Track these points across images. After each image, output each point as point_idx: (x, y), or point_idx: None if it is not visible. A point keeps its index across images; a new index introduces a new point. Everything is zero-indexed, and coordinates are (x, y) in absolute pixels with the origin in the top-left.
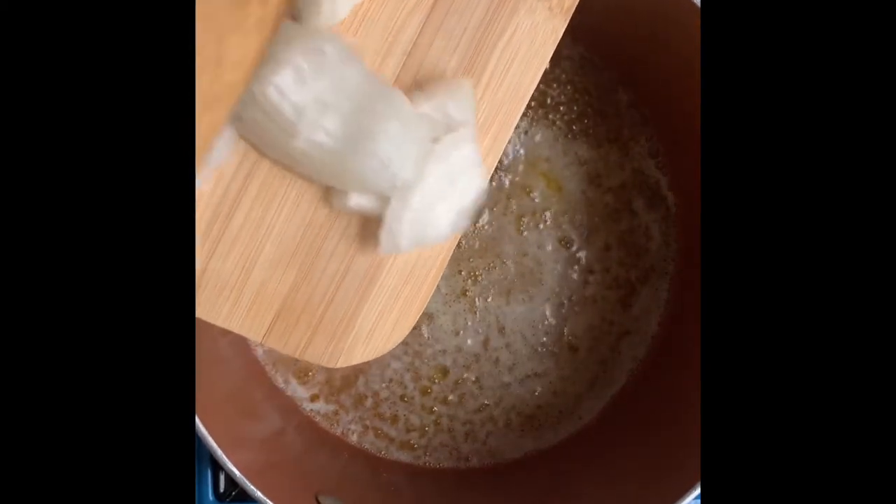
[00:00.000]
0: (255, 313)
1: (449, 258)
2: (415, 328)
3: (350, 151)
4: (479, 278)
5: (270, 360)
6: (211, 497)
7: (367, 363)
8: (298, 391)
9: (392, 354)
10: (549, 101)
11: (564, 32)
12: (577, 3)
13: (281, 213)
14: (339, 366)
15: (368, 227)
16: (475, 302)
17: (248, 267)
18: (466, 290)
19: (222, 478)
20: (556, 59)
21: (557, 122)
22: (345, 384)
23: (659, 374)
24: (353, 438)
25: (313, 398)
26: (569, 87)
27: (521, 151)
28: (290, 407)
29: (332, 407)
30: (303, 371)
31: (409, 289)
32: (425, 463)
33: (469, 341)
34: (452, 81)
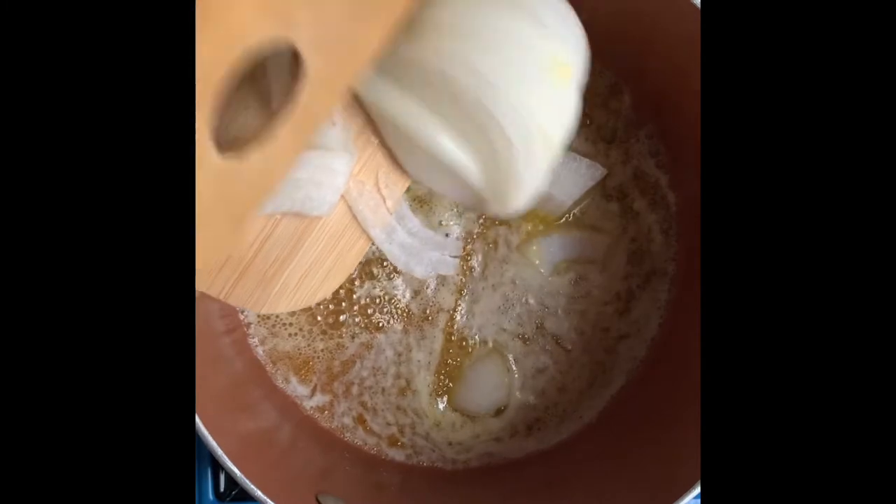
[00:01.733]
0: None
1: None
2: (415, 327)
3: None
4: (476, 280)
5: (270, 360)
6: (211, 497)
7: (361, 353)
8: (298, 390)
9: (391, 346)
10: None
11: None
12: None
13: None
14: (263, 312)
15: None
16: (474, 302)
17: None
18: (463, 290)
19: (222, 478)
20: None
21: None
22: (345, 389)
23: (659, 374)
24: (354, 438)
25: (312, 392)
26: None
27: None
28: (290, 406)
29: (327, 397)
30: (302, 369)
31: (341, 245)
32: (426, 463)
33: (471, 341)
34: None
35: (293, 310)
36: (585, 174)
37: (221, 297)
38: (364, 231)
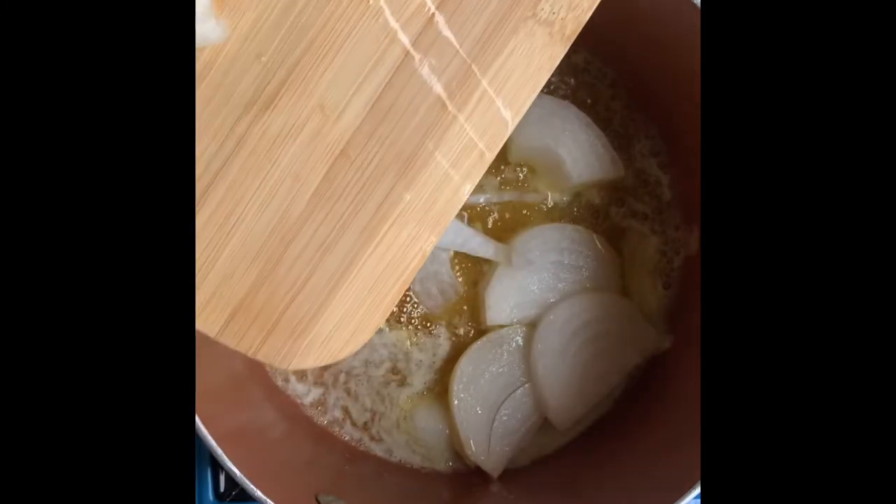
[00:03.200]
0: (213, 308)
1: (415, 274)
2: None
3: None
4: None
5: None
6: (211, 497)
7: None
8: (298, 389)
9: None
10: None
11: None
12: (578, 31)
13: (251, 209)
14: (291, 368)
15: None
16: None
17: (211, 259)
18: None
19: (222, 478)
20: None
21: None
22: (334, 379)
23: (659, 374)
24: (355, 437)
25: (309, 388)
26: (570, 88)
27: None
28: (289, 406)
29: (320, 390)
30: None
31: (372, 298)
32: (428, 465)
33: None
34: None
35: (321, 365)
36: (605, 166)
37: (250, 353)
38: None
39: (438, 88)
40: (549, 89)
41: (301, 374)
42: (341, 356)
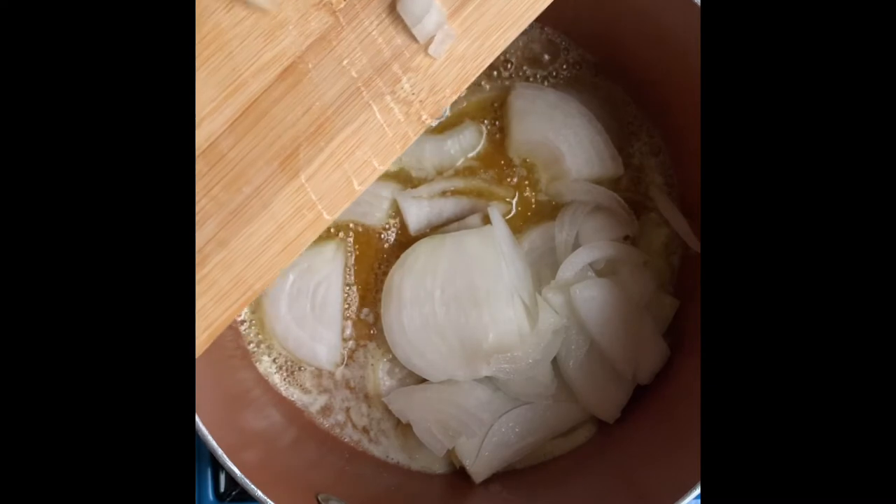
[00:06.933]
0: None
1: (230, 320)
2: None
3: None
4: None
5: (274, 368)
6: (211, 497)
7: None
8: (296, 393)
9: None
10: None
11: (565, 32)
12: (438, 114)
13: None
14: None
15: None
16: None
17: None
18: None
19: (222, 478)
20: (556, 60)
21: None
22: (334, 384)
23: (660, 376)
24: (354, 439)
25: (313, 392)
26: (571, 84)
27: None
28: (289, 407)
29: (324, 397)
30: (295, 370)
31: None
32: (427, 467)
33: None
34: None
35: None
36: (604, 162)
37: None
38: None
39: (282, 141)
40: (552, 84)
41: (300, 381)
42: None
